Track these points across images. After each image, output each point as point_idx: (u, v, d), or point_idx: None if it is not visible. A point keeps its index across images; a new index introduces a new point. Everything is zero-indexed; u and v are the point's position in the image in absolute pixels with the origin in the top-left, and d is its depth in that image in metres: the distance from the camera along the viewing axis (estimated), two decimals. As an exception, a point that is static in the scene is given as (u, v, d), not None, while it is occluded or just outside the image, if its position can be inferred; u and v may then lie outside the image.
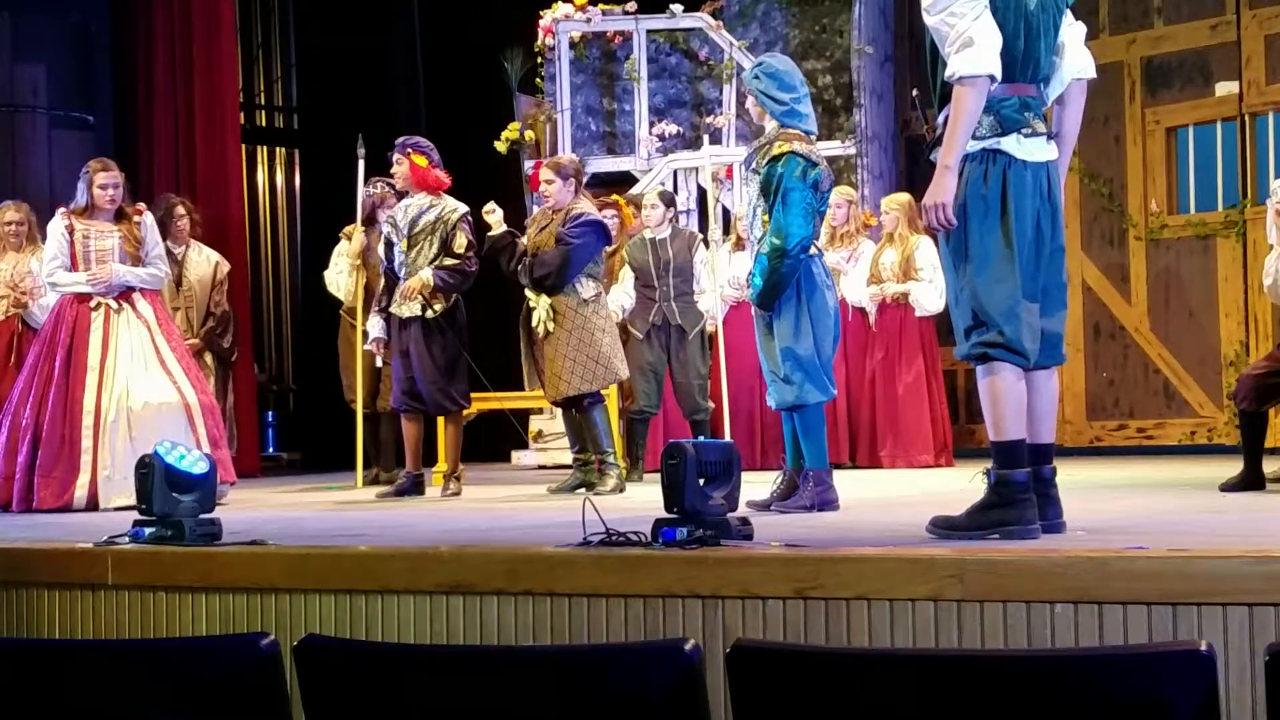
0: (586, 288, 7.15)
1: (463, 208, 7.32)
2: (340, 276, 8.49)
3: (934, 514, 4.28)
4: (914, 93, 4.65)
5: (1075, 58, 4.35)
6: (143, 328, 7.04)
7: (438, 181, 7.31)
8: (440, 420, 7.50)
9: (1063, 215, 4.33)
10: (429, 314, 7.17)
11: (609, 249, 8.64)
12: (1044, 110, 4.30)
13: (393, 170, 7.35)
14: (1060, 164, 4.33)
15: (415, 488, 7.34)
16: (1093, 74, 4.40)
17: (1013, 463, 4.18)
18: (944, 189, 4.11)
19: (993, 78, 4.10)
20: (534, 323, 7.15)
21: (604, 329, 7.19)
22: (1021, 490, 4.16)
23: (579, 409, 7.21)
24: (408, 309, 7.20)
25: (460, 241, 7.20)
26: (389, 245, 7.36)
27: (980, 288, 4.17)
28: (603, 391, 7.34)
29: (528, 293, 7.20)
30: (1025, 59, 4.21)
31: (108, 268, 7.01)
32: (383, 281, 7.43)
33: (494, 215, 7.14)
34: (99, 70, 10.59)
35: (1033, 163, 4.21)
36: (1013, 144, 4.18)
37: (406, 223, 7.27)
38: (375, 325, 7.40)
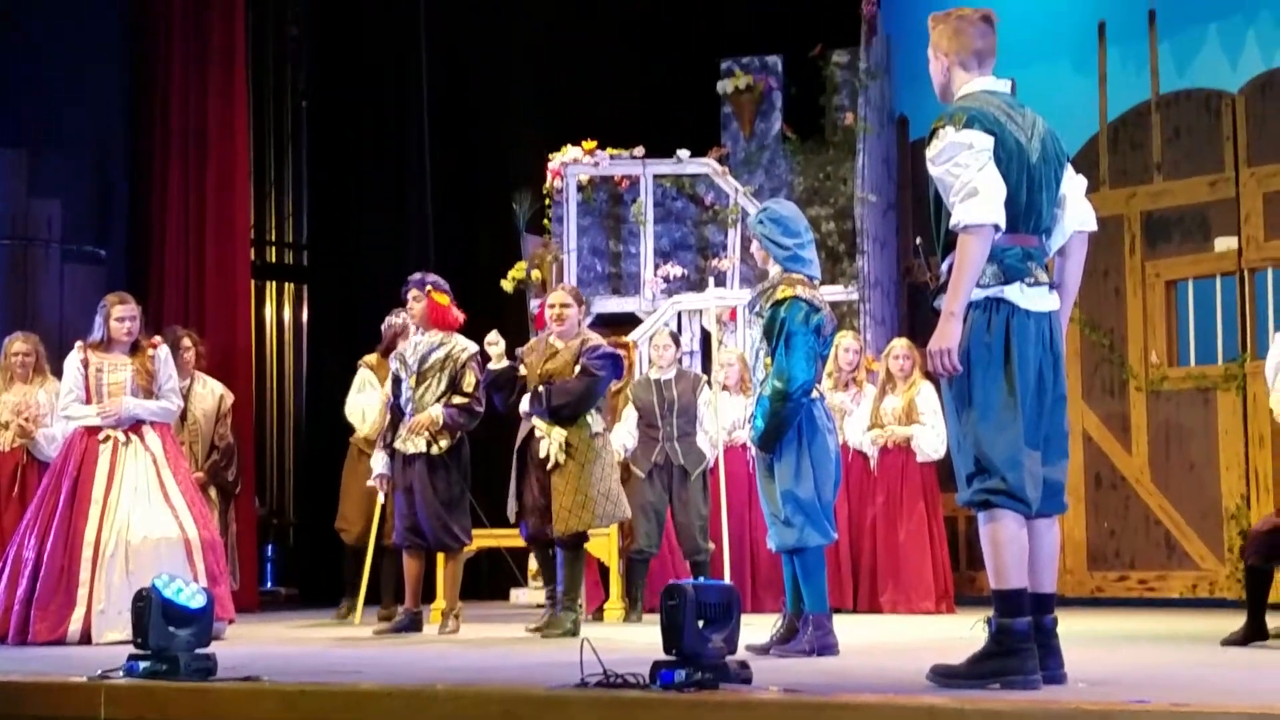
0: (596, 422, 7.06)
1: (473, 346, 7.35)
2: (368, 408, 8.44)
3: (934, 661, 4.25)
4: (917, 241, 4.71)
5: (1077, 210, 4.42)
6: (149, 460, 7.05)
7: (454, 320, 7.38)
8: (440, 557, 7.48)
9: (1064, 364, 4.37)
10: (434, 450, 7.18)
11: (613, 389, 8.70)
12: (1046, 261, 4.36)
13: (409, 306, 7.37)
14: (1062, 314, 4.38)
15: (413, 625, 7.29)
16: (1094, 226, 4.47)
17: (1014, 611, 4.16)
18: (949, 335, 4.15)
19: (997, 227, 4.17)
20: (542, 453, 6.96)
21: (612, 465, 7.14)
22: (1023, 640, 4.14)
23: (572, 547, 7.06)
24: (412, 445, 7.20)
25: (469, 380, 7.23)
26: (396, 381, 7.39)
27: (983, 435, 4.19)
28: (604, 531, 7.30)
29: (537, 423, 7.01)
30: (1028, 210, 4.27)
31: (118, 401, 7.05)
32: (388, 417, 7.45)
33: (496, 346, 7.03)
34: (113, 206, 10.74)
35: (1035, 312, 4.25)
36: (1016, 293, 4.23)
37: (416, 359, 7.29)
38: (380, 461, 7.40)
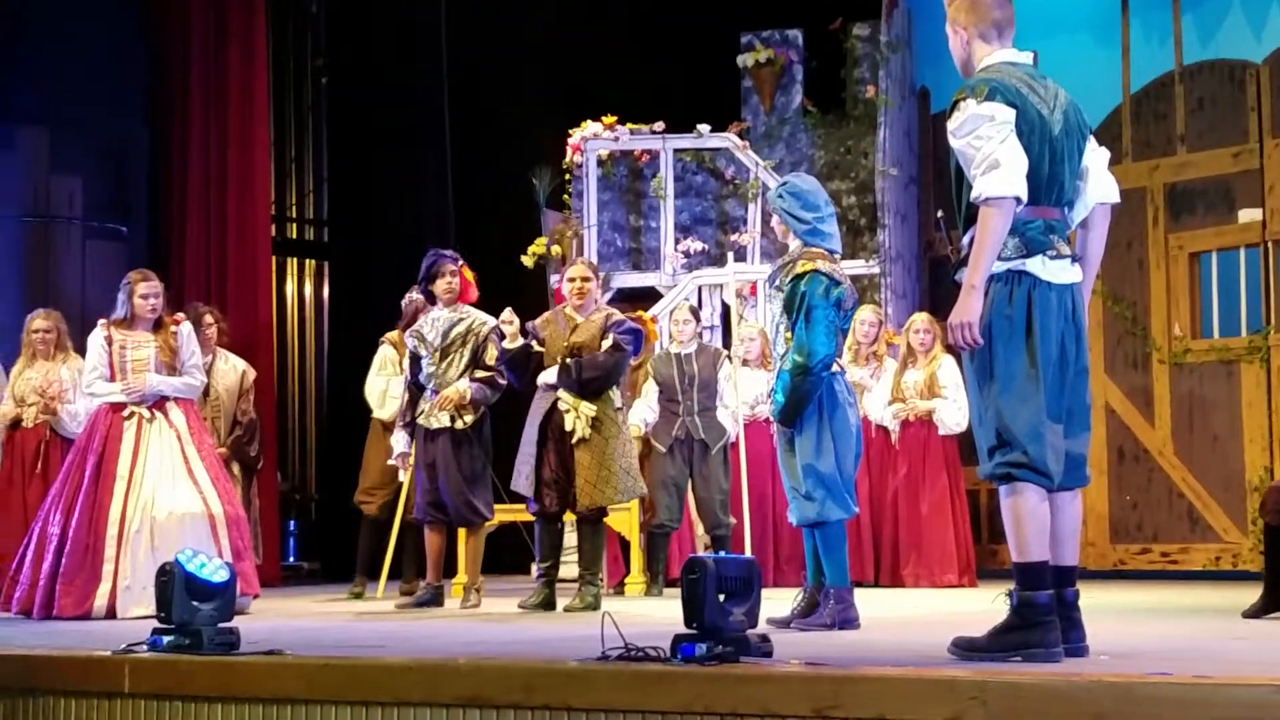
0: (617, 397, 7.04)
1: (492, 320, 7.34)
2: (387, 389, 8.44)
3: (956, 634, 4.25)
4: (938, 214, 4.68)
5: (1099, 183, 4.39)
6: (173, 437, 7.08)
7: (474, 294, 7.41)
8: (462, 532, 7.49)
9: (1087, 337, 4.35)
10: (459, 425, 7.19)
11: (633, 364, 8.69)
12: (1068, 234, 4.34)
13: (448, 282, 7.31)
14: (1085, 287, 4.36)
15: (435, 599, 7.31)
16: (1116, 199, 4.44)
17: (1036, 584, 4.15)
18: (970, 308, 4.14)
19: (1018, 200, 4.15)
20: (568, 427, 6.89)
21: (631, 440, 7.14)
22: (1044, 612, 4.13)
23: (594, 521, 7.05)
24: (436, 420, 7.21)
25: (492, 353, 7.22)
26: (415, 359, 7.38)
27: (1005, 408, 4.18)
28: (625, 506, 7.30)
29: (563, 396, 6.92)
30: (1050, 182, 4.25)
31: (142, 378, 7.08)
32: (406, 395, 7.45)
33: (511, 325, 6.98)
34: (134, 182, 10.77)
35: (1057, 284, 4.24)
36: (1038, 265, 4.21)
37: (438, 335, 7.29)
38: (400, 440, 7.40)
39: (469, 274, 7.40)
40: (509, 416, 8.27)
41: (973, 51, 4.39)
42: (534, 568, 7.14)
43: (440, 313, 7.35)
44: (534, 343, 7.04)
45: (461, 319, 7.31)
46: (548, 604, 6.93)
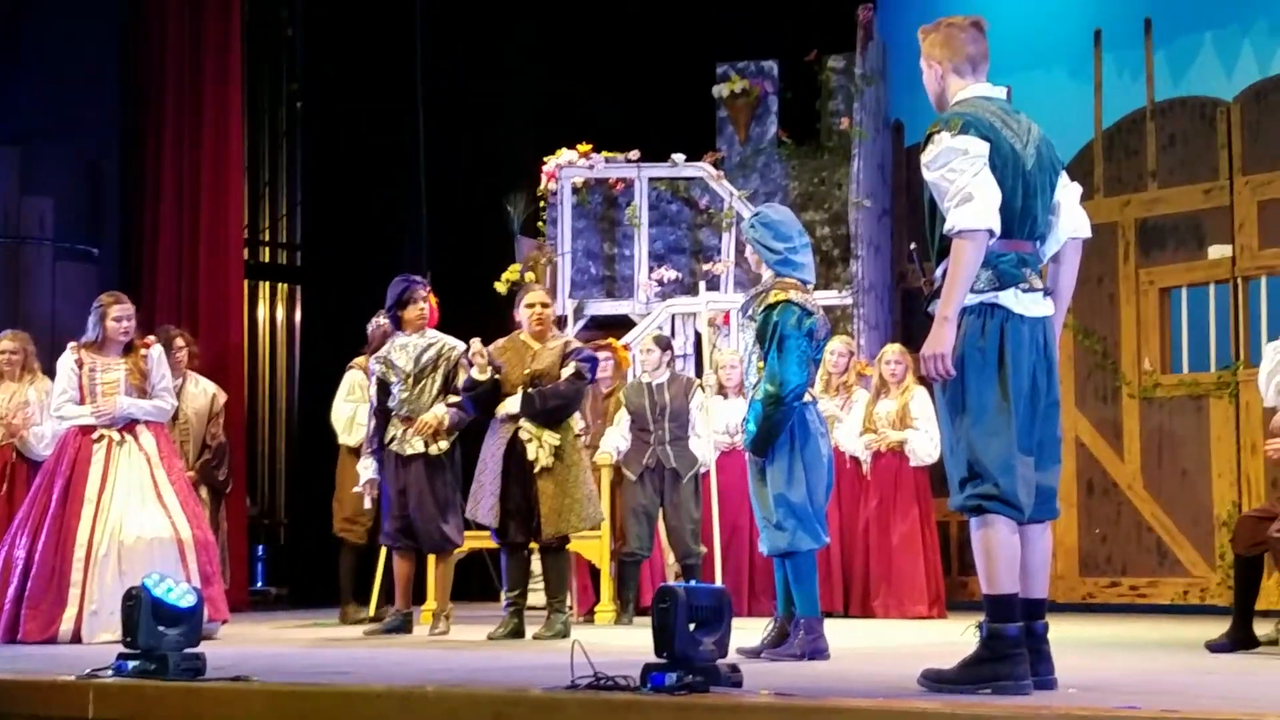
0: (577, 424, 7.09)
1: (461, 344, 7.33)
2: (357, 414, 8.39)
3: (925, 666, 4.25)
4: (911, 246, 4.70)
5: (1071, 218, 4.42)
6: (143, 460, 7.04)
7: (435, 318, 7.41)
8: (431, 559, 7.45)
9: (1058, 370, 4.37)
10: (433, 451, 7.16)
11: (605, 391, 8.69)
12: (1040, 267, 4.36)
13: (420, 309, 7.26)
14: (1056, 320, 4.38)
15: (404, 626, 7.27)
16: (1088, 233, 4.47)
17: (1005, 617, 4.16)
18: (942, 340, 4.15)
19: (991, 233, 4.17)
20: (531, 456, 6.87)
21: (588, 467, 7.18)
22: (1014, 645, 4.14)
23: (555, 549, 7.01)
24: (410, 446, 7.18)
25: (463, 378, 7.21)
26: (382, 385, 7.33)
27: (976, 440, 4.19)
28: (596, 533, 7.28)
29: (525, 426, 6.87)
30: (1023, 216, 4.27)
31: (112, 401, 7.04)
32: (372, 422, 7.40)
33: (481, 358, 6.90)
34: (106, 203, 10.72)
35: (1030, 318, 4.26)
36: (1010, 299, 4.23)
37: (410, 361, 7.26)
38: (369, 467, 7.36)
39: (433, 300, 7.41)
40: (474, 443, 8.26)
41: (947, 86, 4.42)
42: (502, 597, 7.11)
43: (409, 339, 7.32)
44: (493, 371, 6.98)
45: (431, 344, 7.30)
46: (516, 633, 6.90)
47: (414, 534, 7.19)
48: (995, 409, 4.18)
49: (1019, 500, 4.18)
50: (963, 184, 4.16)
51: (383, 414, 7.31)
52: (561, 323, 10.35)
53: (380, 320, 8.32)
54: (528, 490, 6.88)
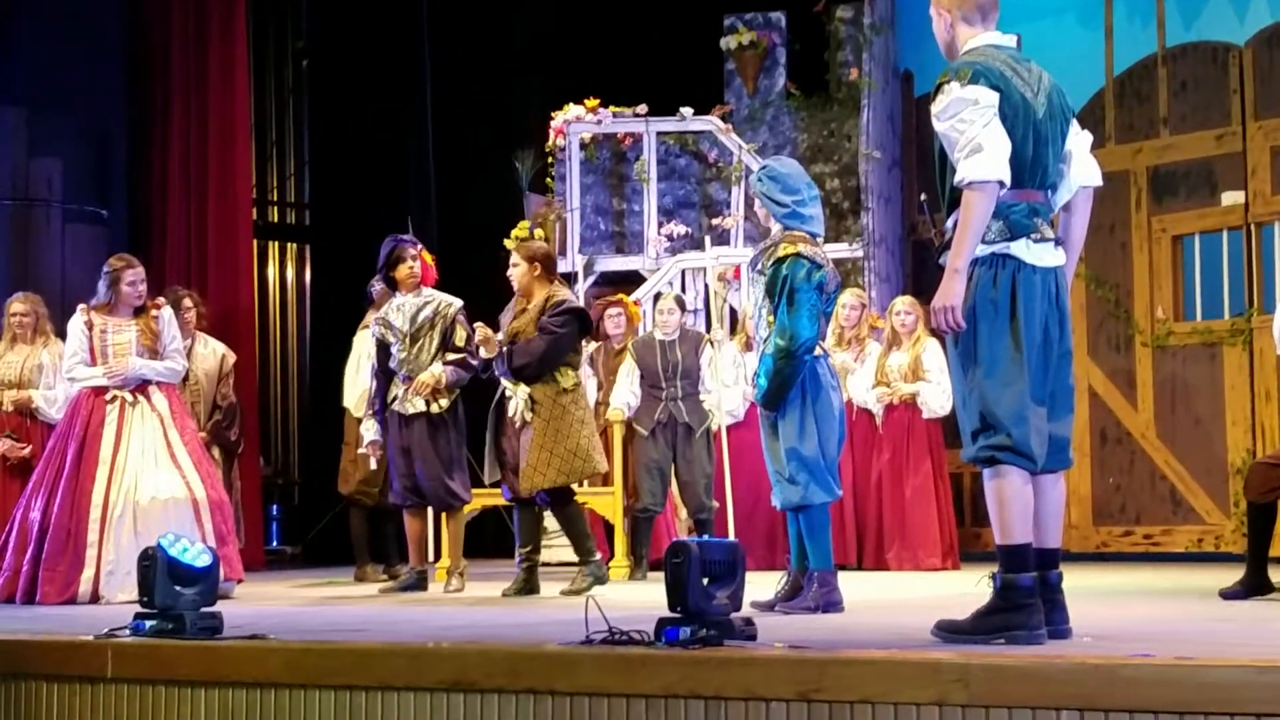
0: (567, 377, 6.90)
1: (457, 301, 7.34)
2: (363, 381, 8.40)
3: (939, 617, 4.25)
4: (922, 197, 4.67)
5: (1082, 166, 4.39)
6: (156, 421, 7.05)
7: (434, 276, 7.39)
8: (443, 516, 7.47)
9: (1070, 320, 4.35)
10: (434, 409, 7.18)
11: (616, 348, 8.68)
12: (1051, 216, 4.34)
13: (409, 267, 7.28)
14: (1067, 269, 4.36)
15: (419, 583, 7.30)
16: (1099, 182, 4.44)
17: (1019, 567, 4.16)
18: (953, 292, 4.13)
19: (1001, 183, 4.14)
20: (510, 412, 6.90)
21: (583, 420, 6.92)
22: (1027, 595, 4.14)
23: (553, 508, 7.00)
24: (412, 405, 7.19)
25: (461, 335, 7.21)
26: (382, 347, 7.33)
27: (988, 391, 4.18)
28: (589, 486, 7.25)
29: (505, 382, 6.94)
30: (1034, 165, 4.25)
31: (124, 361, 7.04)
32: (374, 383, 7.39)
33: (488, 342, 6.89)
34: (114, 165, 10.71)
35: (1041, 268, 4.23)
36: (1022, 249, 4.21)
37: (406, 321, 7.26)
38: (371, 428, 7.36)
39: (428, 257, 7.39)
40: (486, 401, 8.25)
41: (956, 34, 4.38)
42: (516, 553, 7.12)
43: (404, 298, 7.31)
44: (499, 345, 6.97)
45: (427, 302, 7.29)
46: (529, 589, 6.91)
47: (421, 492, 7.21)
48: (1008, 360, 4.17)
49: (1032, 451, 4.18)
50: (973, 135, 4.13)
51: (384, 375, 7.32)
52: (570, 279, 10.34)
53: (378, 283, 8.32)
54: (515, 445, 6.90)
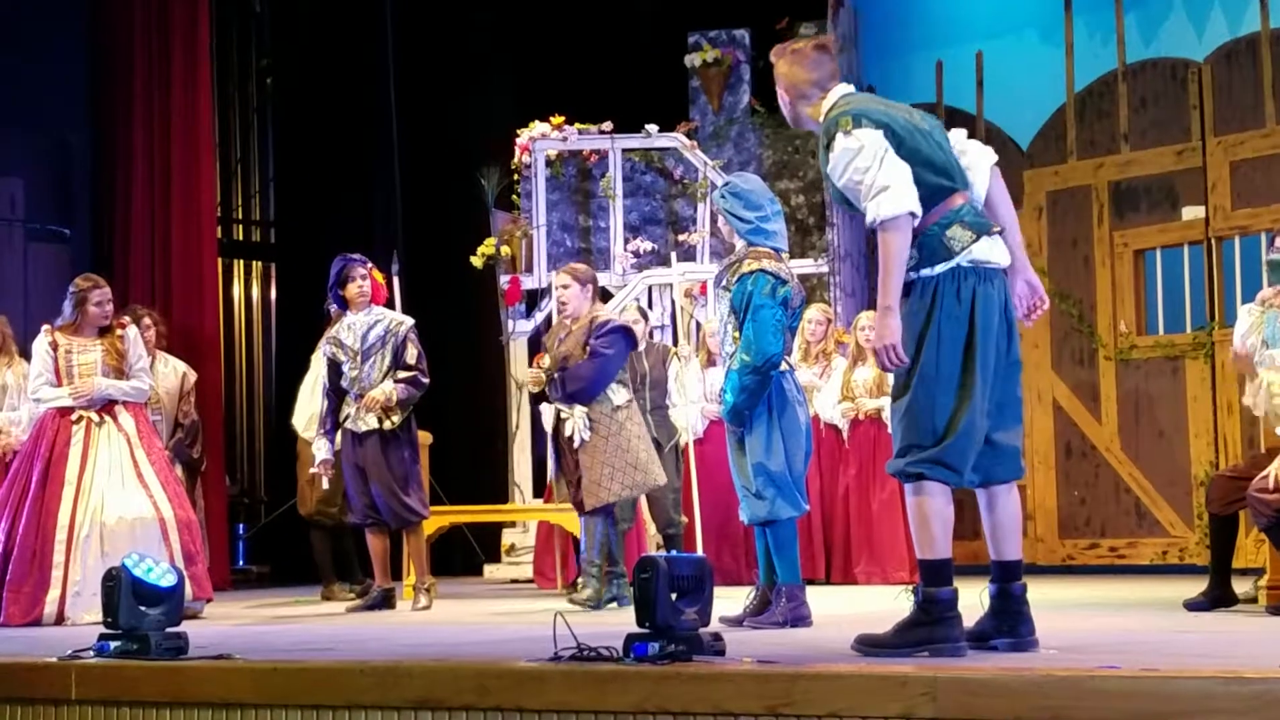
0: (618, 395, 7.06)
1: (408, 320, 7.40)
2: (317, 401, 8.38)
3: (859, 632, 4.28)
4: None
5: (972, 149, 4.42)
6: (123, 441, 7.02)
7: (383, 295, 7.43)
8: (403, 534, 7.44)
9: (1018, 330, 4.35)
10: (386, 426, 7.18)
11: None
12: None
13: (359, 286, 7.28)
14: (1015, 251, 4.35)
15: (385, 601, 7.28)
16: (995, 156, 4.47)
17: (940, 580, 4.20)
18: (890, 329, 4.15)
19: (913, 214, 4.17)
20: (568, 433, 7.02)
21: (639, 435, 7.11)
22: (948, 608, 4.17)
23: (588, 515, 7.07)
24: (364, 423, 7.20)
25: (412, 353, 7.27)
26: (333, 366, 7.34)
27: (937, 404, 4.18)
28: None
29: (559, 405, 7.08)
30: (952, 170, 4.30)
31: (90, 382, 7.01)
32: (325, 403, 7.39)
33: (537, 375, 7.19)
34: (77, 184, 10.66)
35: (995, 271, 4.25)
36: (985, 248, 4.23)
37: (357, 339, 7.27)
38: (323, 447, 7.35)
39: (379, 276, 7.42)
40: (462, 417, 8.23)
41: (800, 112, 4.49)
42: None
43: (355, 317, 7.32)
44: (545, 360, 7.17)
45: (378, 320, 7.31)
46: (615, 598, 7.02)
47: (379, 509, 7.20)
48: (958, 373, 4.18)
49: (960, 466, 4.19)
50: (871, 178, 4.17)
51: (336, 393, 7.34)
52: (536, 296, 10.34)
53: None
54: (575, 463, 7.04)
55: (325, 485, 7.75)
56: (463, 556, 10.80)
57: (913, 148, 4.22)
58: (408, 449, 7.27)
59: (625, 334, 7.08)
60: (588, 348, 6.99)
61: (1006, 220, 4.39)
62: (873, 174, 4.17)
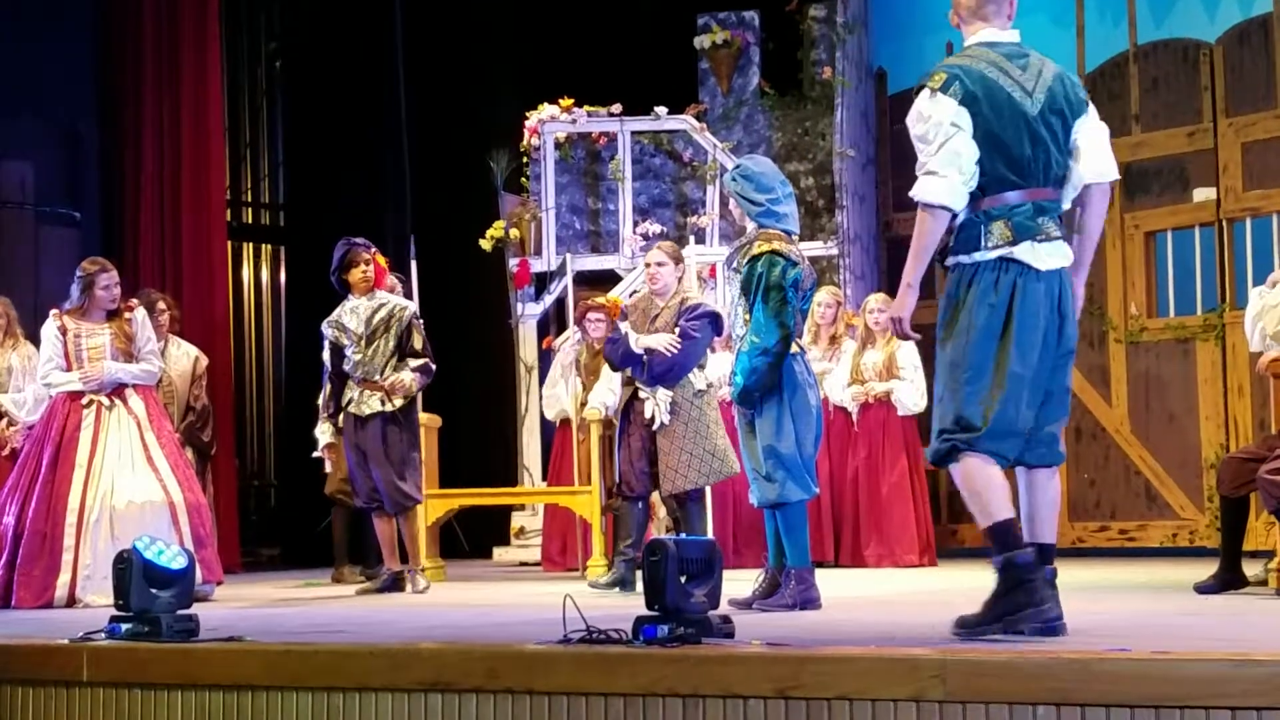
0: (699, 379, 6.97)
1: (412, 305, 7.40)
2: None
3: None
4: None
5: (1091, 161, 4.28)
6: (133, 425, 7.02)
7: (387, 280, 7.41)
8: (399, 518, 7.35)
9: (1075, 321, 4.26)
10: (388, 408, 7.16)
11: (597, 348, 8.68)
12: (1060, 213, 4.26)
13: (363, 271, 7.24)
14: (1081, 266, 4.29)
15: (395, 585, 7.28)
16: (1112, 177, 4.33)
17: (1011, 543, 4.09)
18: (904, 305, 4.16)
19: (951, 211, 4.11)
20: (647, 415, 6.89)
21: (717, 420, 6.96)
22: (1028, 571, 4.06)
23: (681, 505, 6.98)
24: (368, 406, 7.18)
25: (419, 340, 7.27)
26: (335, 349, 7.30)
27: (968, 396, 4.12)
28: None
29: (639, 386, 6.94)
30: (1033, 164, 4.18)
31: (99, 365, 7.02)
32: (327, 386, 7.37)
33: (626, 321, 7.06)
34: (86, 167, 10.66)
35: (1046, 271, 4.17)
36: (1026, 252, 4.15)
37: (361, 323, 7.24)
38: (326, 431, 7.36)
39: (382, 260, 7.39)
40: (476, 402, 8.21)
41: (965, 34, 4.37)
42: (619, 547, 7.18)
43: (358, 301, 7.29)
44: (624, 324, 7.04)
45: (382, 304, 7.30)
46: (620, 583, 6.93)
47: (379, 494, 7.20)
48: (993, 367, 4.11)
49: (996, 454, 4.12)
50: (928, 156, 4.12)
51: (338, 378, 7.31)
52: (546, 279, 10.33)
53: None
54: (648, 447, 6.92)
55: (327, 469, 7.74)
56: (472, 540, 10.83)
57: (994, 132, 4.12)
58: (408, 433, 7.25)
59: (715, 319, 7.00)
60: (677, 328, 6.88)
61: (1084, 238, 4.31)
62: (930, 152, 4.12)
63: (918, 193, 4.13)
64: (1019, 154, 4.16)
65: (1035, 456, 4.24)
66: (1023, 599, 4.03)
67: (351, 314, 7.29)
